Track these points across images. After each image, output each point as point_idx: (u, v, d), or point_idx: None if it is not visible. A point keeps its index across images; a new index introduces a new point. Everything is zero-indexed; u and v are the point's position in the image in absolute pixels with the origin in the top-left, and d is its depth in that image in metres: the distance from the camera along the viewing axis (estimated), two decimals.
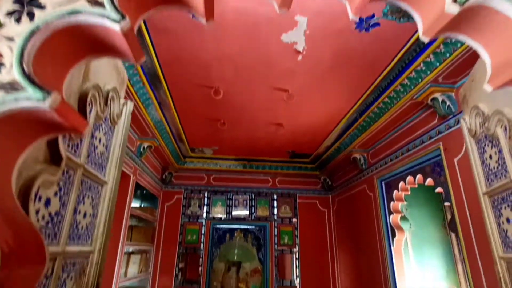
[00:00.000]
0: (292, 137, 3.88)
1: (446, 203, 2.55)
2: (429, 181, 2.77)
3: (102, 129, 1.04)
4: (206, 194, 4.95)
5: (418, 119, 2.83)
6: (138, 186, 3.80)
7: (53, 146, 0.73)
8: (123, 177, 3.39)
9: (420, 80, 2.37)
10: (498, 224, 1.09)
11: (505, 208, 1.04)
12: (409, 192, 3.21)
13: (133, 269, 4.00)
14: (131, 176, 3.44)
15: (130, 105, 1.22)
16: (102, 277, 0.98)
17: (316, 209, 5.05)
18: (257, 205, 4.98)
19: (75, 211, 0.87)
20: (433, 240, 3.56)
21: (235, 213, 4.91)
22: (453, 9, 0.63)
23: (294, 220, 4.95)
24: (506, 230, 1.04)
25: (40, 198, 0.70)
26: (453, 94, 2.38)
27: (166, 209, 4.77)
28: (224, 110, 3.20)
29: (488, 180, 1.16)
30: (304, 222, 4.95)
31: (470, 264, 2.23)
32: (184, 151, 4.50)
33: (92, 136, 0.95)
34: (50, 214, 0.75)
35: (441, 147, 2.50)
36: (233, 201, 4.97)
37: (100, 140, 1.02)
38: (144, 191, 4.41)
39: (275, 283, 4.60)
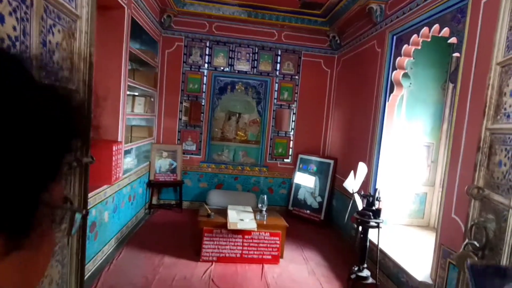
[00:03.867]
0: None
1: (455, 54, 2.44)
2: (445, 32, 2.59)
3: None
4: (207, 44, 4.75)
5: None
6: (135, 26, 3.59)
7: None
8: (117, 9, 3.15)
9: None
10: (510, 28, 1.02)
11: None
12: (420, 47, 3.05)
13: (138, 109, 4.25)
14: (125, 8, 3.18)
15: None
16: (94, 46, 0.98)
17: (319, 69, 4.97)
18: (260, 60, 4.87)
19: None
20: (428, 100, 3.64)
21: (237, 66, 4.85)
22: None
23: (296, 77, 4.95)
24: None
25: None
26: None
27: (167, 56, 4.69)
28: None
29: None
30: (306, 80, 4.95)
31: (457, 115, 2.32)
32: None
33: None
34: None
35: None
36: (236, 54, 4.83)
37: None
38: (143, 36, 4.21)
39: (271, 133, 5.00)
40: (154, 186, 4.59)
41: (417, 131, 3.65)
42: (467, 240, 1.00)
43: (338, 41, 4.77)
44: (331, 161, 4.60)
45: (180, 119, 4.82)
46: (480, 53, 2.05)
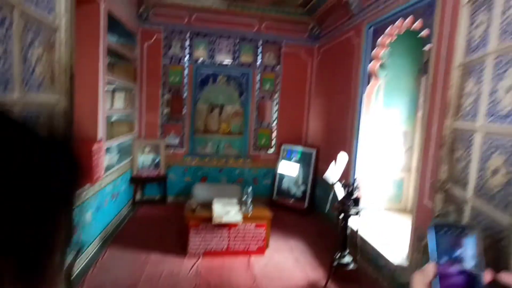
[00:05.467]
0: None
1: (429, 45, 2.55)
2: (418, 24, 2.68)
3: None
4: (187, 36, 4.68)
5: None
6: (112, 19, 3.48)
7: None
8: (91, 3, 3.04)
9: None
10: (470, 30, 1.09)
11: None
12: (395, 37, 3.15)
13: (118, 104, 4.17)
14: (101, 1, 3.08)
15: None
16: (74, 53, 0.97)
17: (299, 59, 5.01)
18: (241, 51, 4.85)
19: None
20: (404, 89, 3.76)
21: (218, 58, 4.82)
22: None
23: (277, 68, 4.97)
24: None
25: None
26: None
27: (146, 49, 4.59)
28: None
29: None
30: (287, 71, 4.99)
31: (429, 106, 2.44)
32: None
33: None
34: None
35: None
36: (217, 45, 4.78)
37: None
38: (121, 29, 4.09)
39: (254, 124, 5.04)
40: (137, 182, 4.56)
41: (394, 118, 3.79)
42: None
43: (318, 32, 4.81)
44: (313, 150, 4.71)
45: (162, 112, 4.76)
46: (449, 49, 2.15)
